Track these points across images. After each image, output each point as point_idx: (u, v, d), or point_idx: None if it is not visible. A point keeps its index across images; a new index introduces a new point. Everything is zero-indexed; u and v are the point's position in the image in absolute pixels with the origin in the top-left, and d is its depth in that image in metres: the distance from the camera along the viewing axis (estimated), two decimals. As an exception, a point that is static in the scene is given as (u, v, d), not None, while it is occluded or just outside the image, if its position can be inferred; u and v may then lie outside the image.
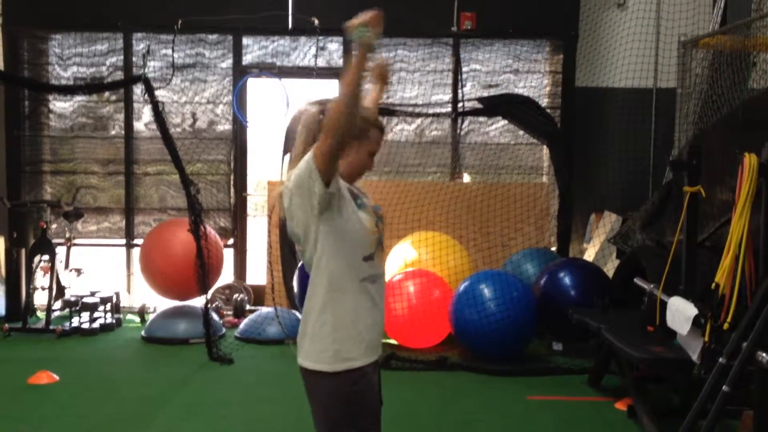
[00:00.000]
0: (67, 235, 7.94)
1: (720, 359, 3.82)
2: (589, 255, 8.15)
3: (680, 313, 4.43)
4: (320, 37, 8.48)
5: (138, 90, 8.41)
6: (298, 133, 2.79)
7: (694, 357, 4.28)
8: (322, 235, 2.65)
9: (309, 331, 2.72)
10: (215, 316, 7.40)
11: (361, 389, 2.70)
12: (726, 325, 4.01)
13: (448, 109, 8.52)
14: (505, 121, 8.46)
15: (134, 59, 8.59)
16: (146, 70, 6.73)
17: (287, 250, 7.25)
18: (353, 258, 2.70)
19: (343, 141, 2.51)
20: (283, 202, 2.70)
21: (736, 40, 7.07)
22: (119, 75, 8.62)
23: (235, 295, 8.23)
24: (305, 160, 2.57)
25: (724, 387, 3.65)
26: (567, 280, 6.68)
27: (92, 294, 7.75)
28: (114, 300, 7.89)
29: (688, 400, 4.62)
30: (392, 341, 6.89)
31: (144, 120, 8.73)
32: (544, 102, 8.60)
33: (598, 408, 5.42)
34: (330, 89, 8.70)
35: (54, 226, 8.00)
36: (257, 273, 8.82)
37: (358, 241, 2.71)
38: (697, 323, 4.23)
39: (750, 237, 4.03)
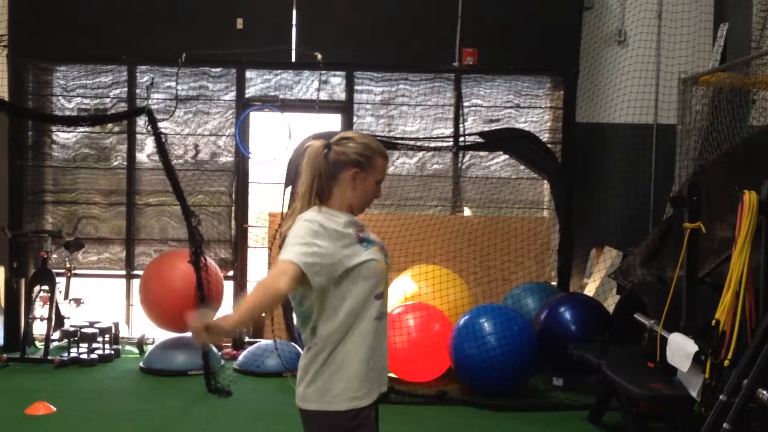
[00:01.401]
0: (68, 266, 7.93)
1: (720, 396, 3.80)
2: (590, 290, 8.13)
3: (680, 349, 4.42)
4: (323, 71, 8.55)
5: (141, 122, 8.50)
6: (303, 167, 2.76)
7: (695, 394, 4.26)
8: (336, 283, 2.64)
9: (313, 370, 2.68)
10: (214, 348, 7.37)
11: (359, 424, 2.67)
12: (726, 362, 4.00)
13: (450, 143, 8.55)
14: (506, 156, 8.49)
15: (138, 91, 8.64)
16: (149, 102, 6.78)
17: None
18: (369, 298, 2.68)
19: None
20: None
21: (735, 78, 7.13)
22: (123, 107, 8.65)
23: (235, 327, 8.18)
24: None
25: (724, 424, 3.63)
26: (567, 315, 6.65)
27: (91, 324, 7.72)
28: (113, 331, 7.86)
29: (688, 437, 4.60)
30: (391, 375, 6.85)
31: (146, 151, 8.75)
32: (544, 137, 8.63)
33: (598, 445, 5.40)
34: (332, 122, 8.76)
35: (54, 256, 8.00)
36: (257, 305, 8.77)
37: (372, 280, 2.68)
38: (697, 360, 4.22)
39: (750, 274, 4.04)
